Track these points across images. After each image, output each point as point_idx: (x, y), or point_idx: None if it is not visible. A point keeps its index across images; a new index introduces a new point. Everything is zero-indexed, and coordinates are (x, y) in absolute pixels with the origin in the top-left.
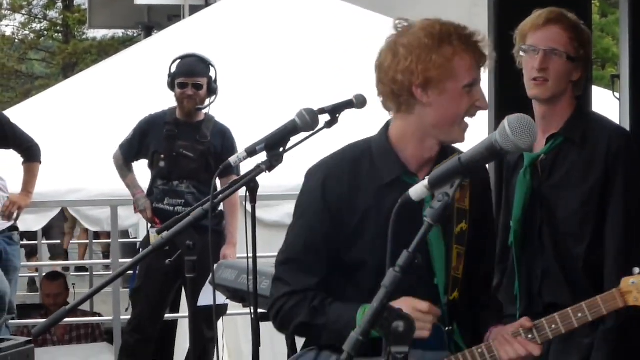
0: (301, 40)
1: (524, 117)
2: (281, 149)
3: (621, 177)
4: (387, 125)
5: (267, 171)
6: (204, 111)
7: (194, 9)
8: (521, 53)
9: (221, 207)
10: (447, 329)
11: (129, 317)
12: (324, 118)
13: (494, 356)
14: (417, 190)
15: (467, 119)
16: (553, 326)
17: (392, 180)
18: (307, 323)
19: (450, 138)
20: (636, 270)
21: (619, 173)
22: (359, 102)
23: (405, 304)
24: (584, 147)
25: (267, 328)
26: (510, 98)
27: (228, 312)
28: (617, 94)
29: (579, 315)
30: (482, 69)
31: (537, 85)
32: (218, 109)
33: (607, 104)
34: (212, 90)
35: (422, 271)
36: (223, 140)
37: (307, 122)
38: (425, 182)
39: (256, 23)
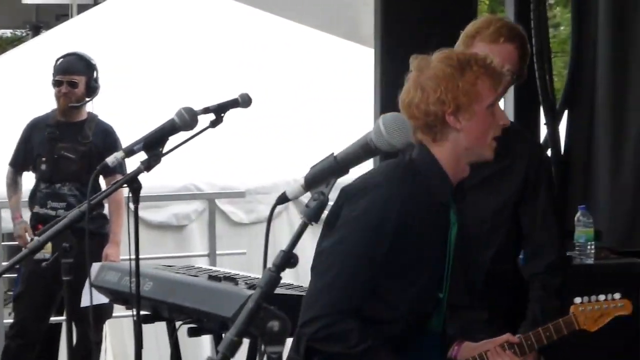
0: (189, 39)
1: (398, 117)
2: (160, 149)
3: (544, 187)
4: (429, 153)
5: (145, 171)
6: (87, 110)
7: (82, 8)
8: None
9: (106, 209)
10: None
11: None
12: (210, 117)
13: None
14: (293, 190)
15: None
16: (529, 342)
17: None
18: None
19: (482, 158)
20: (578, 299)
21: (541, 183)
22: (244, 101)
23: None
24: (505, 157)
25: (152, 330)
26: (393, 96)
27: (114, 314)
28: None
29: (547, 334)
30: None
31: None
32: (104, 108)
33: None
34: (91, 89)
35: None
36: (105, 139)
37: (186, 121)
38: (302, 181)
39: (144, 22)
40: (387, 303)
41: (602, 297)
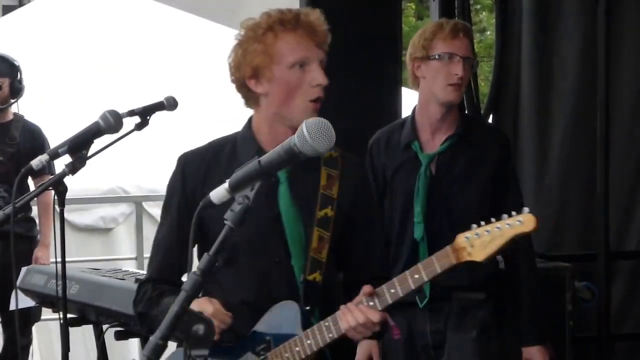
0: (116, 41)
1: (321, 121)
2: (85, 152)
3: (510, 170)
4: (251, 119)
5: (70, 174)
6: (13, 111)
7: (7, 9)
8: (432, 60)
9: (35, 212)
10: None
11: None
12: (135, 120)
13: (339, 327)
14: (217, 193)
15: (311, 101)
16: (392, 290)
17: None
18: (144, 314)
19: (296, 122)
20: (474, 226)
21: (508, 167)
22: (169, 104)
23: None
24: (475, 145)
25: (81, 333)
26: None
27: (42, 317)
28: None
29: (416, 276)
30: (321, 46)
31: (455, 91)
32: (31, 109)
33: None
34: (15, 90)
35: (276, 252)
36: (33, 140)
37: (110, 124)
38: (226, 185)
39: (70, 23)
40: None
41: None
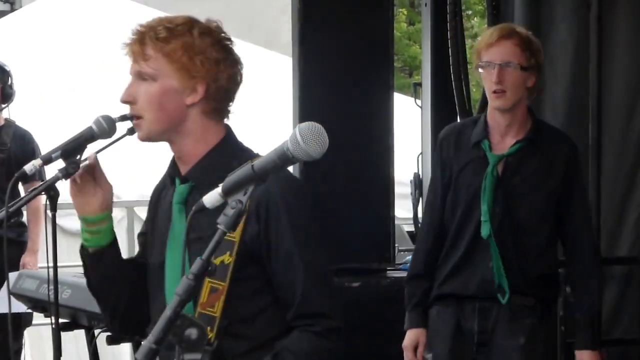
0: (115, 41)
1: (314, 126)
2: (78, 157)
3: (579, 182)
4: None
5: (63, 179)
6: (3, 117)
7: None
8: (480, 70)
9: (24, 217)
10: None
11: None
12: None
13: None
14: (210, 198)
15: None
16: None
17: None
18: None
19: None
20: None
21: (577, 179)
22: None
23: None
24: (545, 152)
25: (73, 338)
26: (312, 104)
27: (33, 322)
28: (419, 102)
29: None
30: (137, 61)
31: (498, 97)
32: (22, 115)
33: (409, 111)
34: (6, 95)
35: (159, 299)
36: (24, 145)
37: (104, 129)
38: (219, 189)
39: (62, 28)
40: None
41: None
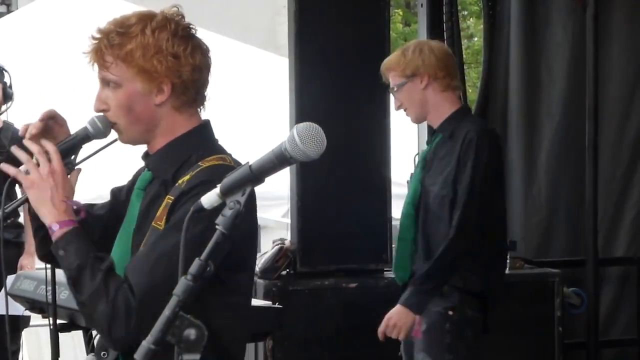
0: None
1: (312, 126)
2: (73, 157)
3: (470, 163)
4: None
5: None
6: (1, 119)
7: None
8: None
9: (21, 218)
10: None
11: None
12: None
13: None
14: (209, 198)
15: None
16: None
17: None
18: None
19: None
20: None
21: (468, 160)
22: None
23: None
24: (451, 141)
25: (70, 339)
26: (309, 104)
27: (30, 323)
28: None
29: None
30: (100, 68)
31: (407, 115)
32: (21, 116)
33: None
34: (7, 96)
35: None
36: (22, 147)
37: (99, 129)
38: (218, 190)
39: (60, 29)
40: None
41: None
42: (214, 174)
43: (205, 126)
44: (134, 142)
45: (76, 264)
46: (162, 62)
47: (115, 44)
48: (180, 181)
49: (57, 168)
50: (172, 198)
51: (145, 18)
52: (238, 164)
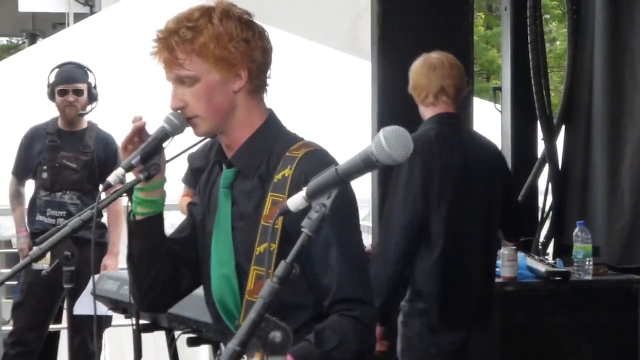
0: None
1: (399, 130)
2: (157, 158)
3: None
4: None
5: (144, 181)
6: (86, 119)
7: (79, 17)
8: None
9: (104, 219)
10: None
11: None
12: None
13: None
14: (295, 201)
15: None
16: None
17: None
18: None
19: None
20: None
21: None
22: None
23: None
24: None
25: (151, 339)
26: (391, 107)
27: (112, 323)
28: (498, 106)
29: None
30: (171, 68)
31: None
32: (101, 117)
33: (488, 115)
34: (92, 96)
35: (208, 293)
36: (106, 148)
37: (175, 125)
38: (304, 192)
39: (140, 30)
40: None
41: None
42: (318, 161)
43: (274, 115)
44: (211, 134)
45: None
46: (237, 48)
47: (187, 38)
48: (278, 175)
49: None
50: (283, 196)
51: (208, 9)
52: (319, 146)
